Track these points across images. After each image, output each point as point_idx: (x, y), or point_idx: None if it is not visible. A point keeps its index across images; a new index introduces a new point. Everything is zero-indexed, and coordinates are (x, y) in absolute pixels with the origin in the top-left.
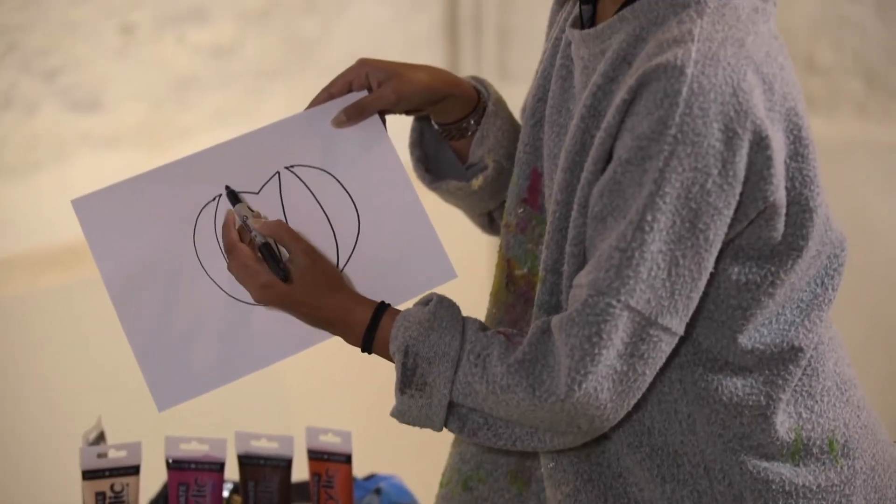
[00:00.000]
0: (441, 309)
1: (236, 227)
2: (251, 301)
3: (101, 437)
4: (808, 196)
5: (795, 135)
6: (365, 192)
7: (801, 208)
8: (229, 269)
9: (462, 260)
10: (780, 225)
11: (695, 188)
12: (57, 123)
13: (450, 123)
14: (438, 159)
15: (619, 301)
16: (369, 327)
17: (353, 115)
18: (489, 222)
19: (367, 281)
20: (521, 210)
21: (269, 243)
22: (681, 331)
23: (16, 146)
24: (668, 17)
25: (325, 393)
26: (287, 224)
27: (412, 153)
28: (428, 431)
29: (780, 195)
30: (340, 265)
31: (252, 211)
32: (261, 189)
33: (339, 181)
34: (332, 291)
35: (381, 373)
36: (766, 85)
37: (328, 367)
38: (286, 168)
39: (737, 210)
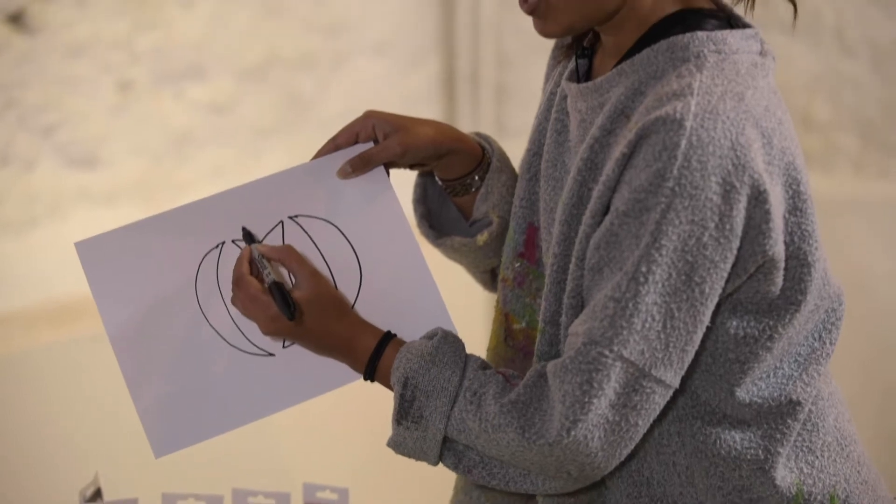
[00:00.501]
0: (444, 344)
1: (248, 262)
2: (251, 350)
3: (97, 494)
4: (806, 251)
5: (794, 189)
6: (367, 244)
7: (799, 262)
8: (233, 301)
9: (460, 315)
10: (779, 279)
11: (691, 241)
12: (55, 179)
13: (454, 179)
14: (442, 216)
15: (612, 351)
16: (373, 355)
17: (358, 167)
18: (491, 279)
19: None
20: (518, 264)
21: (281, 284)
22: (675, 383)
23: (14, 202)
24: (668, 70)
25: (323, 449)
26: (295, 249)
27: (416, 210)
28: (425, 488)
29: (778, 249)
30: None
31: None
32: (264, 238)
33: (342, 232)
34: (338, 318)
35: (378, 430)
36: (764, 139)
37: (326, 423)
38: (290, 218)
39: (735, 264)
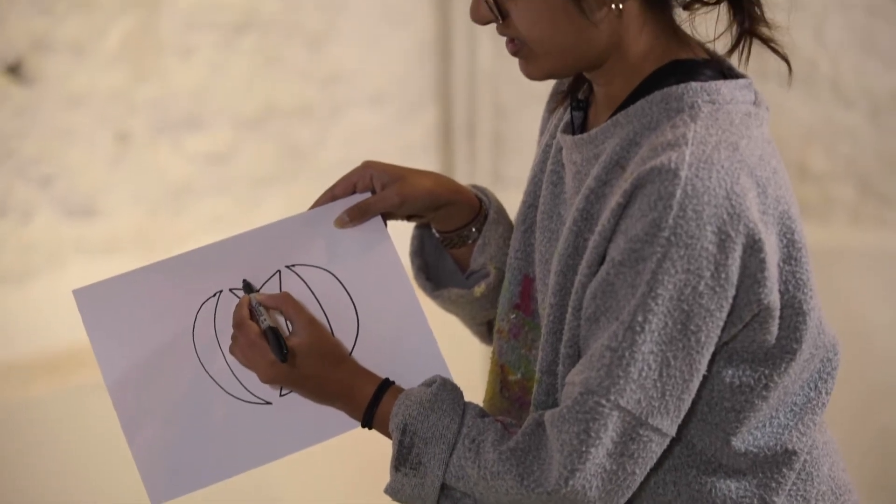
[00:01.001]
0: (443, 391)
1: (248, 308)
2: (248, 399)
3: None
4: (801, 299)
5: (789, 238)
6: (364, 294)
7: (794, 311)
8: (232, 347)
9: (456, 366)
10: (774, 328)
11: (687, 290)
12: (52, 230)
13: (451, 231)
14: (439, 268)
15: (608, 400)
16: (371, 402)
17: (355, 217)
18: (488, 332)
19: None
20: (514, 316)
21: (276, 329)
22: (672, 432)
23: (12, 252)
24: (662, 121)
25: (318, 495)
26: (292, 297)
27: (413, 262)
28: None
29: (773, 298)
30: None
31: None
32: (262, 286)
33: (339, 281)
34: (336, 364)
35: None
36: (759, 188)
37: (321, 468)
38: (287, 267)
39: (731, 313)
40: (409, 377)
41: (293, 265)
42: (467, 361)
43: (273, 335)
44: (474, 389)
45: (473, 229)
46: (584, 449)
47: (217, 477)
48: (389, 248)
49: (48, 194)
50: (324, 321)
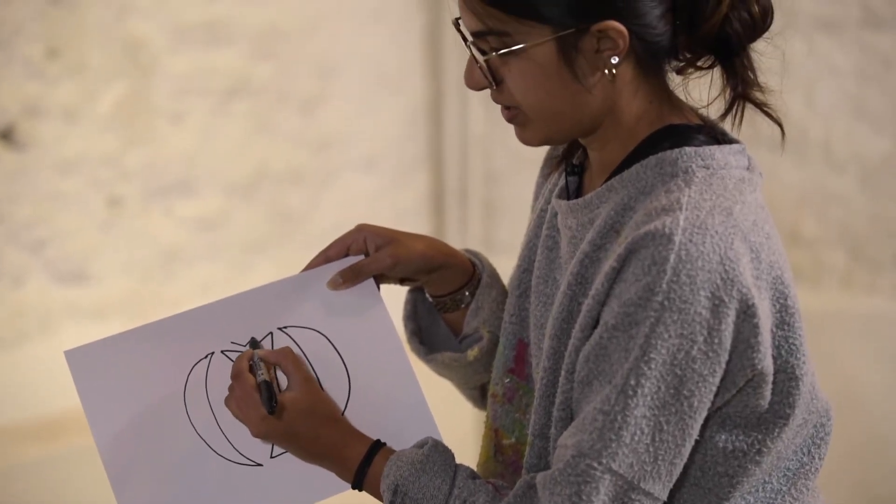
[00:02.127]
0: (435, 453)
1: (248, 360)
2: (239, 461)
3: None
4: (794, 364)
5: (782, 303)
6: (356, 356)
7: (787, 376)
8: (227, 402)
9: (449, 430)
10: (768, 393)
11: (680, 355)
12: (44, 295)
13: (444, 295)
14: (432, 332)
15: (600, 464)
16: (362, 463)
17: (348, 278)
18: (480, 396)
19: None
20: (508, 380)
21: (270, 383)
22: (663, 496)
23: (2, 317)
24: (657, 186)
25: None
26: (292, 352)
27: (406, 326)
28: None
29: (767, 363)
30: None
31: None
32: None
33: (331, 343)
34: (328, 424)
35: None
36: (753, 253)
37: None
38: (280, 329)
39: (724, 378)
40: (399, 439)
41: (286, 327)
42: (459, 425)
43: (265, 388)
44: (466, 453)
45: (467, 293)
46: None
47: None
48: (382, 310)
49: (40, 259)
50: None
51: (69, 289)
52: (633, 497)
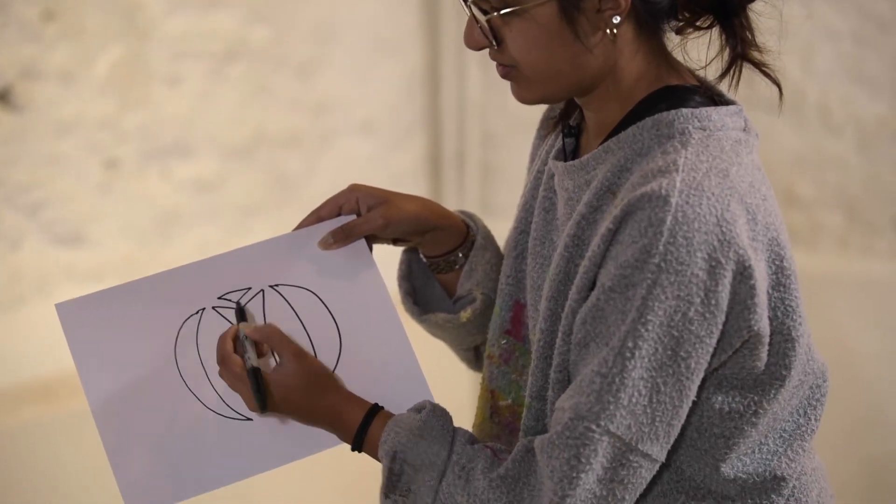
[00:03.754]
0: (433, 418)
1: (232, 340)
2: (229, 415)
3: None
4: (790, 326)
5: (778, 265)
6: (347, 314)
7: (783, 338)
8: (221, 374)
9: (444, 391)
10: (764, 354)
11: (677, 316)
12: (40, 258)
13: (438, 256)
14: (426, 293)
15: (598, 426)
16: (360, 428)
17: (339, 238)
18: (475, 357)
19: None
20: (505, 341)
21: (258, 368)
22: (662, 457)
23: None
24: (653, 147)
25: None
26: (278, 329)
27: (400, 286)
28: None
29: (763, 325)
30: None
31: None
32: (245, 305)
33: (322, 302)
34: (323, 392)
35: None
36: (749, 215)
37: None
38: (270, 286)
39: (721, 339)
40: (391, 396)
41: (276, 285)
42: (454, 386)
43: (253, 378)
44: (461, 413)
45: (460, 254)
46: (574, 475)
47: (196, 490)
48: (373, 269)
49: (36, 222)
50: (306, 341)
51: (66, 251)
52: (631, 459)
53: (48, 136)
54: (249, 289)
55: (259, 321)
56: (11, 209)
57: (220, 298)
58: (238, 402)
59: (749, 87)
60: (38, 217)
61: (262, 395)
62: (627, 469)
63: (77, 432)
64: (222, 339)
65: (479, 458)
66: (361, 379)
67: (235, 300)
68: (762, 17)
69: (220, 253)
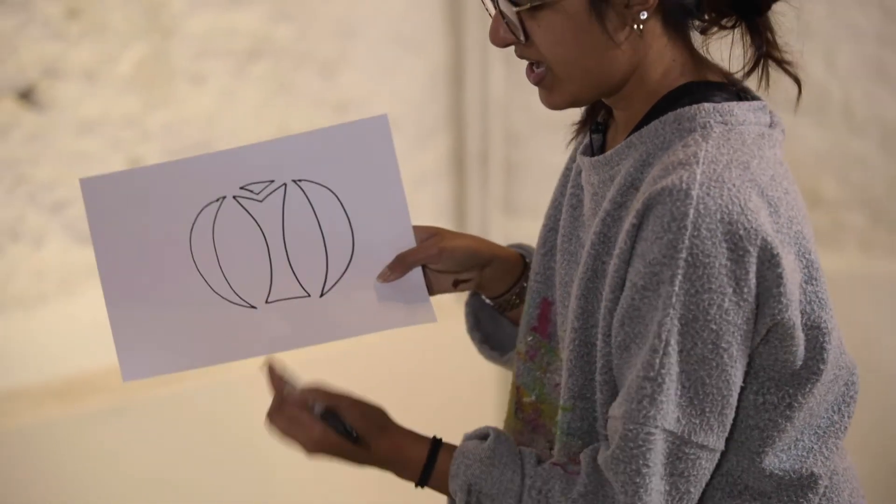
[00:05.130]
0: (500, 445)
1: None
2: (234, 300)
3: None
4: (825, 318)
5: (807, 258)
6: (364, 222)
7: (819, 331)
8: (271, 417)
9: (476, 391)
10: (797, 349)
11: (713, 309)
12: (64, 256)
13: (501, 295)
14: (499, 334)
15: (654, 427)
16: (427, 464)
17: (396, 269)
18: None
19: (348, 307)
20: (531, 338)
21: (334, 411)
22: (720, 446)
23: (23, 278)
24: (674, 141)
25: None
26: (324, 387)
27: (473, 338)
28: None
29: (789, 315)
30: (327, 286)
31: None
32: (265, 198)
33: (342, 204)
34: (382, 433)
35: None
36: (771, 207)
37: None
38: (293, 181)
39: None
40: (393, 311)
41: (300, 180)
42: (484, 386)
43: (334, 418)
44: (486, 413)
45: (525, 285)
46: (641, 482)
47: (188, 365)
48: (397, 185)
49: (60, 220)
50: (319, 241)
51: (89, 250)
52: (686, 451)
53: (71, 134)
54: (272, 181)
55: (277, 214)
56: (35, 207)
57: (241, 189)
58: (245, 290)
59: (774, 85)
60: (61, 215)
61: (350, 430)
62: (685, 462)
63: (98, 431)
64: (275, 381)
65: (553, 479)
66: (366, 287)
67: (256, 192)
68: (784, 17)
69: (247, 144)
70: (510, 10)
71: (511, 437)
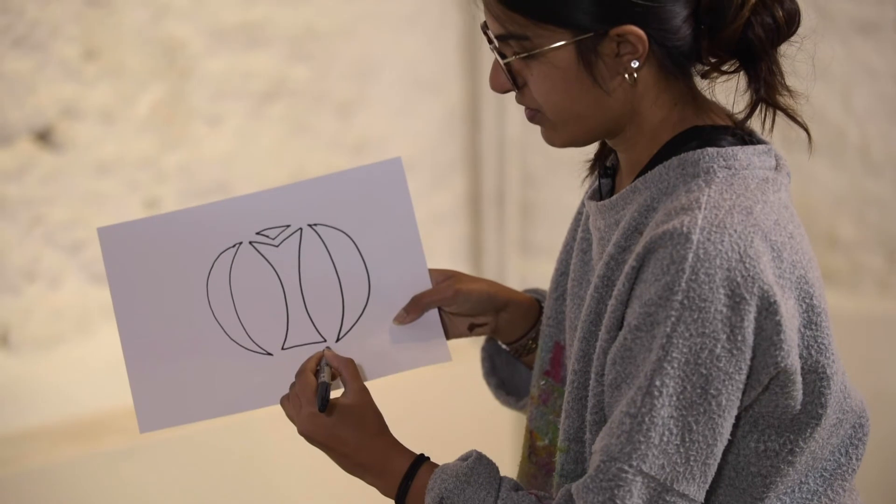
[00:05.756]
0: (479, 465)
1: (315, 365)
2: (250, 347)
3: None
4: (824, 364)
5: (808, 303)
6: (380, 266)
7: (818, 376)
8: (282, 399)
9: (491, 434)
10: (797, 393)
11: (704, 353)
12: (81, 296)
13: (517, 340)
14: (515, 380)
15: (631, 466)
16: (406, 475)
17: (412, 311)
18: None
19: (363, 351)
20: (543, 382)
21: (328, 384)
22: (700, 497)
23: (40, 319)
24: (678, 186)
25: None
26: (355, 364)
27: (489, 383)
28: None
29: (791, 361)
30: (343, 331)
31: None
32: (281, 243)
33: (357, 247)
34: (374, 436)
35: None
36: (774, 252)
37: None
38: (309, 226)
39: (749, 376)
40: (409, 351)
41: (315, 224)
42: (499, 430)
43: (322, 388)
44: (504, 457)
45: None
46: None
47: (206, 414)
48: (411, 225)
49: (77, 260)
50: (336, 283)
51: (106, 291)
52: (667, 499)
53: (89, 175)
54: (288, 226)
55: (293, 260)
56: (52, 248)
57: (257, 234)
58: (262, 336)
59: (790, 129)
60: (78, 256)
61: (326, 400)
62: None
63: (114, 471)
64: (307, 359)
65: (524, 503)
66: (382, 328)
67: (272, 237)
68: (795, 61)
69: (263, 190)
70: (502, 61)
71: (493, 462)
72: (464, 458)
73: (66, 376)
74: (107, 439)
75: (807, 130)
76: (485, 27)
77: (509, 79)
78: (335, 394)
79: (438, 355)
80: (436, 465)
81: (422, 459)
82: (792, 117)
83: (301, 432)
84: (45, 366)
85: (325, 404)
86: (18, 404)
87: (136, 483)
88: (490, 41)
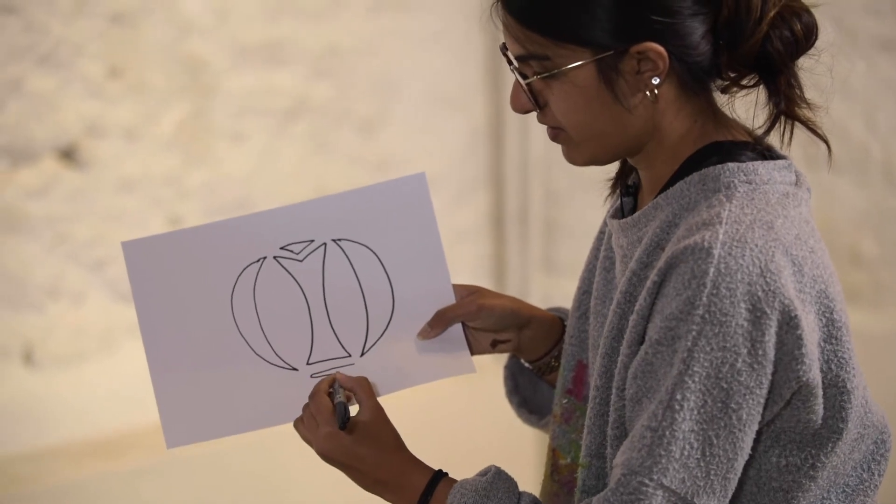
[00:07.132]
0: (498, 480)
1: (328, 387)
2: (275, 362)
3: None
4: (844, 378)
5: (828, 317)
6: (404, 281)
7: (838, 391)
8: (296, 422)
9: (514, 453)
10: (818, 407)
11: (724, 368)
12: (104, 314)
13: (540, 358)
14: (537, 399)
15: (651, 480)
16: (425, 491)
17: (436, 326)
18: None
19: (387, 366)
20: (566, 401)
21: (345, 404)
22: None
23: (63, 336)
24: (699, 201)
25: None
26: (369, 382)
27: (511, 401)
28: None
29: (812, 375)
30: (367, 346)
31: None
32: (305, 258)
33: (381, 262)
34: (392, 451)
35: None
36: (795, 266)
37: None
38: (333, 241)
39: (771, 391)
40: (433, 364)
41: (339, 239)
42: (522, 446)
43: (340, 406)
44: (525, 475)
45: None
46: None
47: (233, 430)
48: (436, 241)
49: (100, 278)
50: (360, 299)
51: (130, 308)
52: None
53: (112, 192)
54: (312, 241)
55: (317, 275)
56: (75, 265)
57: (282, 249)
58: (287, 351)
59: (814, 145)
60: (101, 273)
61: (347, 417)
62: None
63: (139, 488)
64: (320, 381)
65: None
66: (407, 341)
67: (297, 252)
68: (816, 75)
69: (287, 205)
70: (523, 81)
71: (511, 478)
72: (482, 474)
73: (88, 394)
74: (129, 457)
75: (827, 143)
76: (504, 48)
77: (530, 99)
78: (351, 412)
79: (463, 367)
80: (454, 481)
81: (440, 475)
82: (812, 129)
83: (319, 452)
84: (67, 383)
85: (346, 422)
86: (41, 422)
87: (161, 499)
88: (510, 62)
